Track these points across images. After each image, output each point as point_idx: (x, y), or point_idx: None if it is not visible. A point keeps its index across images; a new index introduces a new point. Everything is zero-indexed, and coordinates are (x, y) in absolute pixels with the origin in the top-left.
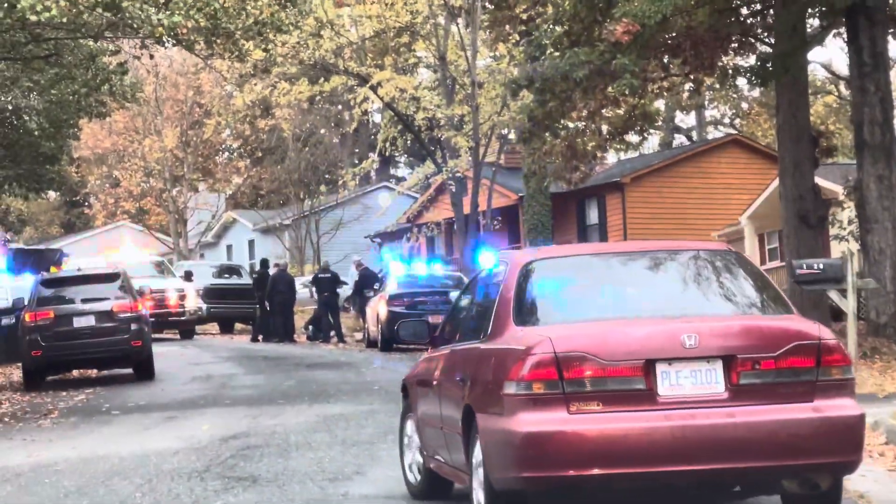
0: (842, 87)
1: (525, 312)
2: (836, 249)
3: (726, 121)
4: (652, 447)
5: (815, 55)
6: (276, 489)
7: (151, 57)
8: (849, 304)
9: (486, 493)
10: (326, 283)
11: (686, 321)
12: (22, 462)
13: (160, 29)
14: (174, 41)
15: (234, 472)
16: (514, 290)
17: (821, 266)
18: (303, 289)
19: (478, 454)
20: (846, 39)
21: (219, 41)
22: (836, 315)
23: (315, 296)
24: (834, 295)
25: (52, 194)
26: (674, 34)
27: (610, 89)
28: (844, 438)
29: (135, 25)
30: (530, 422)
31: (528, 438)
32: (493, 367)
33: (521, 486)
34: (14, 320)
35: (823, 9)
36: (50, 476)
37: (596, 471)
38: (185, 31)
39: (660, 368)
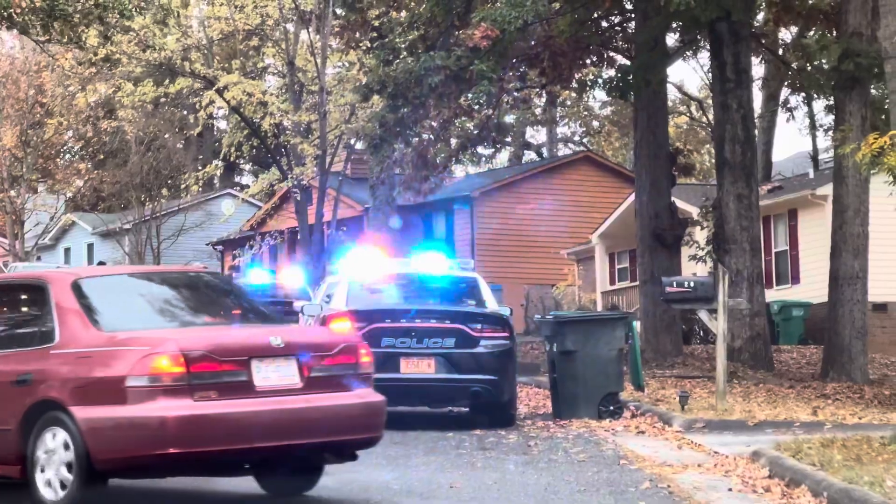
0: (693, 108)
1: (104, 320)
2: (690, 270)
3: (577, 139)
4: (254, 427)
5: (668, 75)
6: None
7: None
8: (719, 325)
9: (83, 475)
10: None
11: (272, 328)
12: None
13: None
14: (7, 23)
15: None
16: (78, 302)
17: (691, 284)
18: None
19: (56, 444)
20: (709, 54)
21: (56, 25)
22: (687, 337)
23: None
24: (703, 315)
25: None
26: (533, 43)
27: (467, 98)
28: (376, 418)
29: None
30: (161, 408)
31: (161, 422)
32: (96, 364)
33: (152, 463)
34: None
35: (687, 22)
36: None
37: (215, 447)
38: (19, 10)
39: (255, 364)
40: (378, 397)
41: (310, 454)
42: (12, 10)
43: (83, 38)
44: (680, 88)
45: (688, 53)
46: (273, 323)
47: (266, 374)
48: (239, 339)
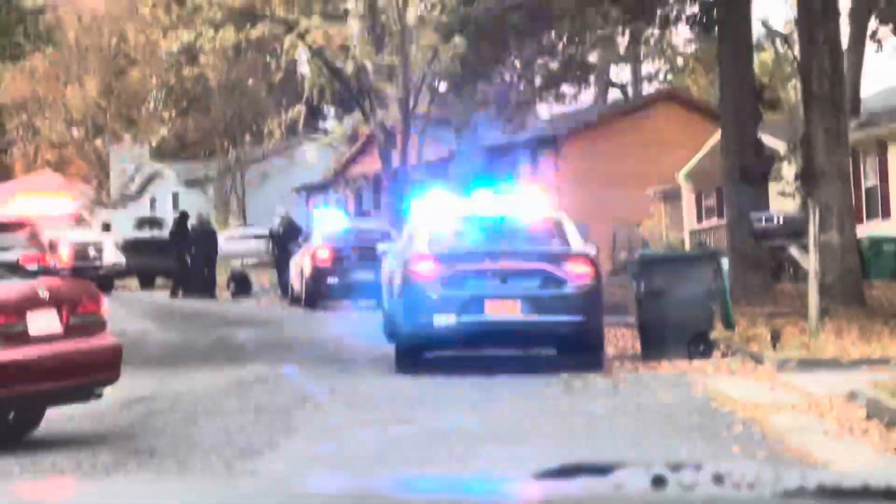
0: (778, 43)
1: None
2: (779, 206)
3: (661, 76)
4: (31, 370)
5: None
6: (175, 464)
7: None
8: (811, 262)
9: None
10: (282, 236)
11: (36, 281)
12: None
13: None
14: None
15: (132, 444)
16: None
17: (780, 219)
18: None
19: None
20: None
21: None
22: (776, 274)
23: (273, 249)
24: (794, 251)
25: None
26: None
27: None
28: (118, 359)
29: None
30: None
31: None
32: None
33: None
34: None
35: None
36: None
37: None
38: None
39: (29, 314)
40: (116, 340)
41: (64, 395)
42: None
43: None
44: (765, 24)
45: None
46: (31, 276)
47: (37, 323)
48: (14, 294)
